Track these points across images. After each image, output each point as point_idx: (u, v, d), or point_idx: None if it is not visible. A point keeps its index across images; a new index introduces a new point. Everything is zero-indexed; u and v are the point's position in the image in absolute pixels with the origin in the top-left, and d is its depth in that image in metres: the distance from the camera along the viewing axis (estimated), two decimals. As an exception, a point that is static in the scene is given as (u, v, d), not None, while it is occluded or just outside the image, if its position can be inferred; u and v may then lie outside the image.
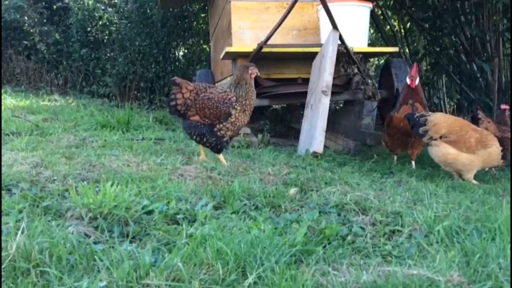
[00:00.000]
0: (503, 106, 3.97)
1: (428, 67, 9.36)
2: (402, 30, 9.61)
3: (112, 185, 2.00)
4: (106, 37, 9.13)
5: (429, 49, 8.87)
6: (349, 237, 1.83)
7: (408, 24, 9.55)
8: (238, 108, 3.30)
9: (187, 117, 3.33)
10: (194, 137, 3.35)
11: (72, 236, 1.58)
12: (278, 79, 5.21)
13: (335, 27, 4.32)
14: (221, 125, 3.29)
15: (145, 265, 1.32)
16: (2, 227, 1.66)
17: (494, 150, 3.30)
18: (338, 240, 1.80)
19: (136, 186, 2.39)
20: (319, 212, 2.23)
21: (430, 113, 3.55)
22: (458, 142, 3.33)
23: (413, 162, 4.01)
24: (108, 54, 9.13)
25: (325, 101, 4.15)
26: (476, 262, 1.46)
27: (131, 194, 2.03)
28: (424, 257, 1.59)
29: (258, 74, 3.51)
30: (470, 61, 8.08)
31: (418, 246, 1.74)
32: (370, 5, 4.97)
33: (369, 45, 11.23)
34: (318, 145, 3.97)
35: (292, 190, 2.68)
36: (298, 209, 2.29)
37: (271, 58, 5.11)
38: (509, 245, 1.53)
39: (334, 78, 4.99)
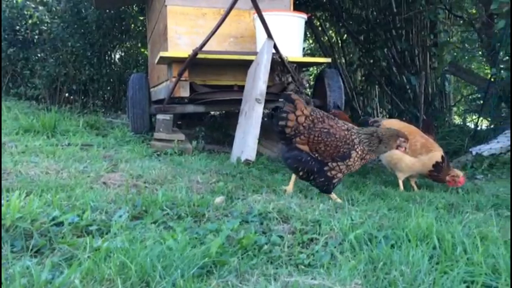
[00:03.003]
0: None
1: (363, 78, 9.75)
2: (339, 42, 9.96)
3: (20, 194, 1.88)
4: (36, 37, 8.67)
5: (363, 61, 9.25)
6: (266, 247, 1.83)
7: (345, 36, 9.91)
8: (360, 152, 2.77)
9: (293, 142, 2.80)
10: (301, 173, 2.82)
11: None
12: (215, 86, 5.19)
13: (270, 36, 4.38)
14: (334, 164, 2.75)
15: (39, 283, 1.24)
16: None
17: (435, 155, 3.48)
18: (255, 250, 1.80)
19: (50, 196, 2.26)
20: (242, 221, 2.23)
21: (383, 118, 3.73)
22: None
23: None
24: (38, 55, 8.66)
25: (259, 109, 4.18)
26: (380, 269, 1.51)
27: (40, 205, 1.91)
28: (334, 266, 1.62)
29: (407, 151, 3.01)
30: (400, 74, 8.52)
31: (331, 254, 1.78)
32: (305, 16, 5.09)
33: (308, 55, 11.58)
34: (250, 152, 3.98)
35: (218, 199, 2.66)
36: (222, 218, 2.27)
37: (207, 65, 5.09)
38: (413, 252, 1.60)
39: (269, 86, 5.06)
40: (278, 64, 4.77)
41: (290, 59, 4.81)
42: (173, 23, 5.18)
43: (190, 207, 2.39)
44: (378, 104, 9.94)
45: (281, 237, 1.98)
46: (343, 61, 9.81)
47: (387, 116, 9.38)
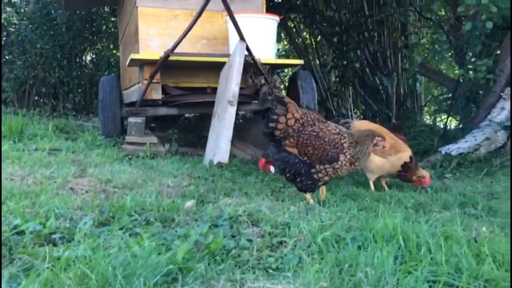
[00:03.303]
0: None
1: (337, 79, 9.85)
2: (313, 43, 10.05)
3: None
4: (4, 39, 8.42)
5: (337, 62, 9.36)
6: (234, 251, 1.82)
7: (319, 38, 10.00)
8: (348, 156, 2.76)
9: (282, 145, 2.82)
10: (287, 174, 2.82)
11: None
12: (187, 88, 5.15)
13: (242, 38, 4.37)
14: (321, 167, 2.75)
15: (-6, 296, 1.20)
16: None
17: (404, 155, 3.53)
18: (223, 254, 1.78)
19: (14, 203, 2.19)
20: (212, 225, 2.21)
21: (355, 119, 3.75)
22: None
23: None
24: (6, 57, 8.42)
25: (231, 111, 4.16)
26: (345, 271, 1.52)
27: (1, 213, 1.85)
28: (301, 269, 1.62)
29: (384, 147, 3.04)
30: (373, 75, 8.65)
31: (299, 257, 1.78)
32: (277, 18, 5.10)
33: (283, 56, 11.63)
34: (223, 155, 3.96)
35: (189, 203, 2.63)
36: (191, 223, 2.25)
37: (180, 66, 5.04)
38: (378, 253, 1.62)
39: (243, 88, 5.06)
40: (251, 66, 4.77)
41: (263, 61, 4.81)
42: (144, 24, 5.11)
43: (159, 212, 2.36)
44: (352, 105, 10.07)
45: (250, 240, 1.97)
46: (318, 62, 9.89)
47: (361, 116, 9.52)
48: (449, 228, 2.03)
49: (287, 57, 11.13)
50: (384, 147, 2.99)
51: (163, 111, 5.04)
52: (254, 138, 5.41)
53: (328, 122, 2.92)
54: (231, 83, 4.24)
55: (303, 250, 1.86)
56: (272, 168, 3.88)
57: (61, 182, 2.81)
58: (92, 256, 1.47)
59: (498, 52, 5.39)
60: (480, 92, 5.53)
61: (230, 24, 4.67)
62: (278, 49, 12.05)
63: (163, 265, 1.49)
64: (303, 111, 2.85)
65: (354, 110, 9.92)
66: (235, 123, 6.31)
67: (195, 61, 4.88)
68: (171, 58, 4.57)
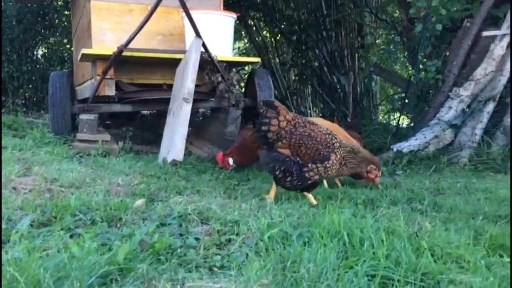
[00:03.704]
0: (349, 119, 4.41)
1: (296, 77, 9.96)
2: (273, 42, 10.11)
3: None
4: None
5: (296, 61, 9.46)
6: (180, 250, 1.79)
7: (278, 36, 10.08)
8: (339, 156, 2.80)
9: (274, 147, 2.81)
10: (277, 172, 2.79)
11: None
12: (143, 85, 5.04)
13: (198, 34, 4.32)
14: (313, 166, 2.76)
15: None
16: None
17: None
18: (168, 254, 1.75)
19: None
20: (160, 224, 2.17)
21: (311, 117, 3.78)
22: None
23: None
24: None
25: (187, 109, 4.11)
26: (289, 268, 1.53)
27: None
28: (246, 266, 1.62)
29: (378, 179, 3.13)
30: (331, 74, 8.81)
31: (246, 254, 1.78)
32: (234, 15, 5.08)
33: (243, 54, 11.62)
34: (177, 152, 3.91)
35: (139, 202, 2.58)
36: (139, 222, 2.20)
37: (135, 63, 4.93)
38: (322, 249, 1.64)
39: (199, 85, 5.01)
40: (208, 63, 4.73)
41: (220, 58, 4.77)
42: (97, 19, 4.96)
43: (106, 211, 2.29)
44: (311, 103, 10.21)
45: (197, 239, 1.95)
46: (277, 61, 9.96)
47: (320, 115, 9.68)
48: (392, 223, 2.08)
49: (247, 55, 11.13)
50: (377, 176, 3.08)
51: (117, 108, 4.92)
52: (211, 136, 5.37)
53: (318, 124, 2.95)
54: (186, 80, 4.19)
55: (250, 247, 1.86)
56: (231, 161, 3.83)
57: (3, 181, 2.68)
58: (26, 259, 1.41)
59: (447, 53, 5.60)
60: (431, 91, 5.73)
61: (187, 21, 4.60)
62: (239, 47, 12.05)
63: (102, 266, 1.44)
64: (294, 114, 2.90)
65: (313, 108, 10.06)
66: (193, 120, 6.27)
67: (151, 57, 4.78)
68: (125, 53, 4.46)
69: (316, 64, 9.22)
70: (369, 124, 6.86)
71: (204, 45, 4.40)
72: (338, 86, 8.58)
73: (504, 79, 4.91)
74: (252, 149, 3.98)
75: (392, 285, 1.50)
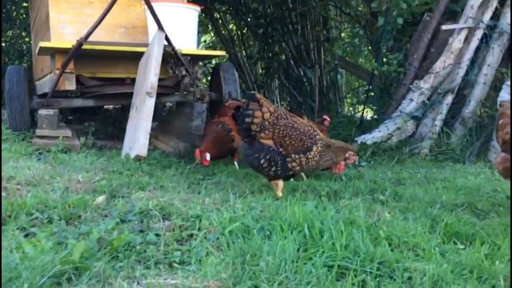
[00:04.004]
0: (325, 117, 4.44)
1: (263, 71, 9.96)
2: (240, 35, 10.06)
3: None
4: None
5: (262, 54, 9.45)
6: (139, 247, 1.77)
7: (245, 30, 10.03)
8: (319, 148, 2.87)
9: (256, 138, 2.83)
10: (262, 161, 2.80)
11: None
12: (105, 79, 4.92)
13: (160, 27, 4.24)
14: (296, 156, 2.81)
15: None
16: None
17: None
18: (127, 251, 1.72)
19: None
20: (120, 221, 2.13)
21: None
22: None
23: (236, 163, 4.16)
24: None
25: (150, 103, 4.04)
26: (248, 261, 1.53)
27: None
28: (206, 261, 1.61)
29: (356, 163, 3.19)
30: (297, 67, 8.86)
31: (207, 249, 1.77)
32: (198, 8, 5.01)
33: (210, 47, 11.52)
34: (141, 148, 3.84)
35: (99, 198, 2.52)
36: (99, 220, 2.15)
37: (96, 56, 4.79)
38: (281, 242, 1.65)
39: (164, 79, 4.93)
40: (171, 57, 4.66)
41: (184, 52, 4.71)
42: (55, 11, 4.80)
43: (64, 209, 2.23)
44: (278, 96, 10.25)
45: (158, 235, 1.93)
46: (244, 54, 9.93)
47: (288, 108, 9.71)
48: (352, 214, 2.12)
49: (214, 48, 11.04)
50: (355, 162, 3.15)
51: (78, 102, 4.77)
52: (177, 130, 5.31)
53: (297, 117, 3.00)
54: (149, 74, 4.12)
55: (212, 242, 1.85)
56: (208, 157, 3.77)
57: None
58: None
59: (408, 46, 5.73)
60: (393, 84, 5.86)
61: (149, 13, 4.52)
62: (205, 41, 11.94)
63: (56, 266, 1.40)
64: (275, 106, 2.93)
65: (280, 101, 10.10)
66: (159, 115, 6.17)
67: (112, 50, 4.67)
68: (86, 47, 4.33)
69: (283, 57, 9.24)
70: (335, 116, 6.94)
71: (167, 38, 4.33)
72: (304, 79, 8.63)
73: (462, 72, 5.07)
74: (225, 142, 3.97)
75: (349, 274, 1.52)
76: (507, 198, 3.06)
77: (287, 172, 2.84)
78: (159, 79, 4.24)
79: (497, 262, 1.79)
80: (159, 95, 4.54)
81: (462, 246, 1.96)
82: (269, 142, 2.83)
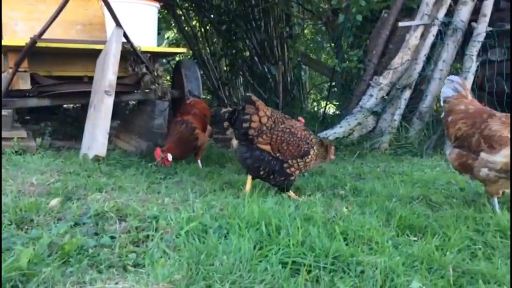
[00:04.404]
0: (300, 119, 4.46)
1: (227, 67, 9.92)
2: (203, 32, 9.97)
3: None
4: None
5: (226, 51, 9.42)
6: (92, 250, 1.72)
7: (208, 26, 9.95)
8: (316, 151, 2.91)
9: (254, 143, 2.77)
10: (262, 172, 2.80)
11: None
12: (62, 77, 4.77)
13: (118, 24, 4.15)
14: (294, 161, 2.81)
15: None
16: None
17: None
18: (79, 255, 1.68)
19: None
20: (75, 224, 2.07)
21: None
22: None
23: (199, 161, 4.12)
24: None
25: (108, 102, 3.94)
26: (203, 261, 1.52)
27: None
28: (159, 263, 1.59)
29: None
30: (261, 64, 8.87)
31: (163, 250, 1.74)
32: (157, 4, 4.94)
33: (174, 44, 11.36)
34: (100, 148, 3.75)
35: (54, 201, 2.44)
36: (51, 223, 2.08)
37: (52, 54, 4.65)
38: (237, 240, 1.65)
39: (124, 77, 4.83)
40: (131, 54, 4.57)
41: (144, 49, 4.63)
42: (7, 8, 4.64)
43: (15, 213, 2.15)
44: (243, 93, 10.23)
45: (113, 237, 1.89)
46: (208, 51, 9.85)
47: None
48: (310, 210, 2.14)
49: (177, 45, 10.91)
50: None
51: (33, 102, 4.61)
52: (138, 129, 5.21)
53: (293, 120, 3.02)
54: (107, 72, 4.02)
55: (169, 243, 1.83)
56: (170, 157, 3.68)
57: None
58: None
59: (368, 43, 5.85)
60: (354, 80, 5.96)
61: (106, 9, 4.41)
62: (168, 37, 11.77)
63: (2, 273, 1.35)
64: (271, 109, 2.89)
65: (245, 98, 10.07)
66: (120, 113, 6.04)
67: (69, 48, 4.54)
68: (40, 44, 4.19)
69: (246, 54, 9.23)
70: (299, 113, 7.00)
71: (125, 35, 4.24)
72: (269, 76, 8.66)
73: (418, 67, 5.21)
74: (189, 141, 3.92)
75: (303, 270, 1.54)
76: (461, 190, 3.17)
77: (287, 177, 2.84)
78: (119, 77, 4.15)
79: (447, 252, 1.85)
80: (119, 94, 4.44)
81: (415, 238, 2.02)
82: (267, 147, 2.81)
